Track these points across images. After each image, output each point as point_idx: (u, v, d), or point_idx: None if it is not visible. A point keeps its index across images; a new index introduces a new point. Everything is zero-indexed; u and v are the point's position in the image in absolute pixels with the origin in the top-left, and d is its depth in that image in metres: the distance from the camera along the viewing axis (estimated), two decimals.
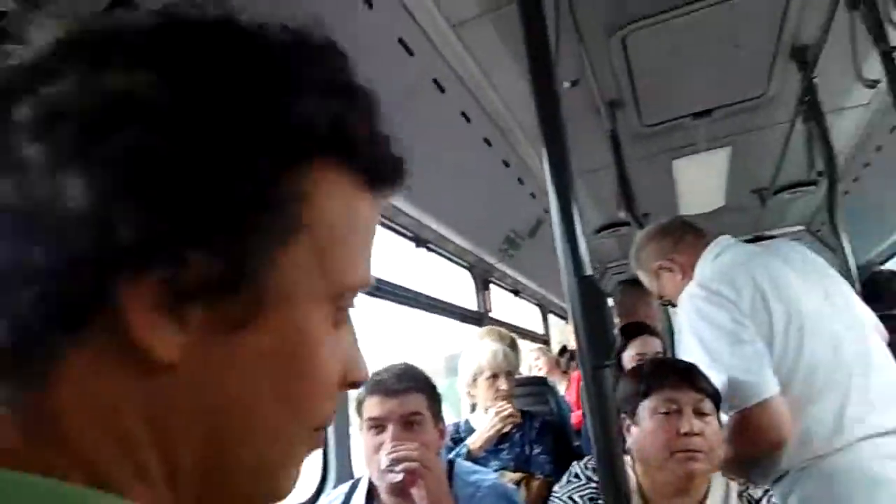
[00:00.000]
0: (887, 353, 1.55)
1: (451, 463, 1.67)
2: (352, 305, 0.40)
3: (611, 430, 0.96)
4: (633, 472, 1.42)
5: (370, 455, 1.40)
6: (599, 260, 4.99)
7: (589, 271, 1.02)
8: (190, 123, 0.31)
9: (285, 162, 0.34)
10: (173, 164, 0.31)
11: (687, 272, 1.71)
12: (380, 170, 0.40)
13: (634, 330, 2.38)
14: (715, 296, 1.51)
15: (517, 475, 2.24)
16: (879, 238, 4.14)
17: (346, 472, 1.99)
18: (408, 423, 1.39)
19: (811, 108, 2.48)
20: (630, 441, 1.44)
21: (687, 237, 1.76)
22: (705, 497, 1.36)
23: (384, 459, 1.33)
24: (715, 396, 1.37)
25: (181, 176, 0.31)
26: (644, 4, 1.98)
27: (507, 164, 2.76)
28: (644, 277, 1.89)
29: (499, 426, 2.26)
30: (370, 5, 1.66)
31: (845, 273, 2.53)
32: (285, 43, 0.36)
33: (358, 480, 1.59)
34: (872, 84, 1.95)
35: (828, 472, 1.39)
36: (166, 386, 0.32)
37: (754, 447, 1.40)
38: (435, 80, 2.07)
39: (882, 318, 2.55)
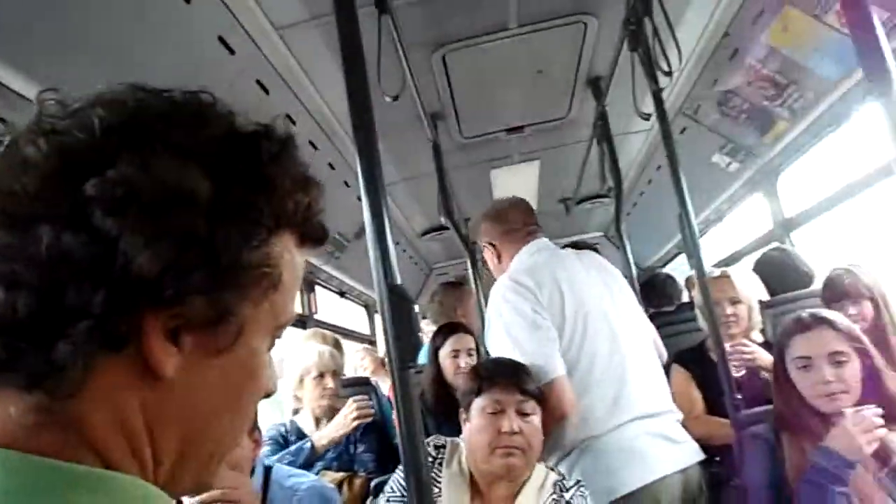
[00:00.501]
0: (654, 349, 1.86)
1: (267, 469, 1.66)
2: (280, 336, 0.52)
3: (414, 424, 1.04)
4: (466, 459, 1.55)
5: None
6: (426, 261, 5.19)
7: (398, 279, 1.10)
8: (220, 210, 0.42)
9: (272, 236, 0.46)
10: (206, 238, 0.41)
11: (504, 259, 1.93)
12: (316, 235, 0.52)
13: (450, 329, 2.53)
14: (521, 287, 1.71)
15: (339, 475, 2.28)
16: (660, 244, 4.81)
17: None
18: None
19: (603, 132, 2.84)
20: (464, 433, 1.57)
21: (517, 232, 1.93)
22: (524, 484, 1.51)
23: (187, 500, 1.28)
24: (538, 397, 1.53)
25: (209, 246, 0.41)
26: (461, 28, 2.14)
27: (332, 167, 2.78)
28: (479, 241, 2.08)
29: (344, 430, 2.28)
30: (187, 0, 1.60)
31: (628, 275, 2.93)
32: (274, 146, 0.47)
33: None
34: (646, 117, 2.28)
35: (603, 448, 1.62)
36: (160, 395, 0.43)
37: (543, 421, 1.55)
38: (258, 81, 2.04)
39: (656, 315, 2.99)
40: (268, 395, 0.53)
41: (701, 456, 1.69)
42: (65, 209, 0.39)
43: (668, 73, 1.92)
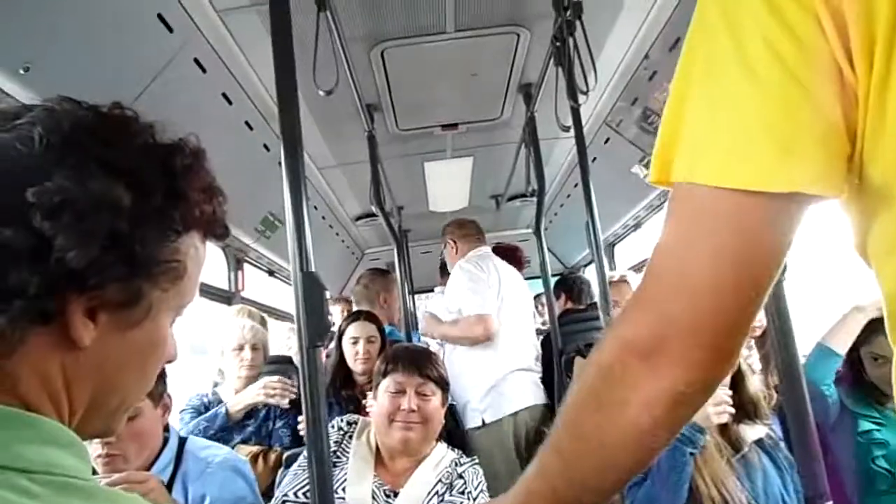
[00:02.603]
0: (532, 329, 2.98)
1: (182, 440, 1.72)
2: (182, 313, 0.63)
3: (319, 399, 1.15)
4: (374, 435, 1.70)
5: None
6: (358, 245, 5.25)
7: (313, 266, 1.19)
8: (138, 217, 0.52)
9: (181, 236, 0.57)
10: (126, 239, 0.51)
11: (459, 252, 3.04)
12: (218, 231, 0.62)
13: (354, 316, 2.66)
14: (475, 265, 2.85)
15: (255, 448, 2.35)
16: (585, 244, 5.03)
17: None
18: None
19: (531, 136, 2.98)
20: (373, 411, 1.72)
21: (470, 237, 3.09)
22: (424, 459, 1.66)
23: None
24: (439, 381, 1.71)
25: (129, 245, 0.51)
26: (400, 27, 2.22)
27: (267, 148, 2.81)
28: (445, 239, 3.17)
29: (253, 401, 2.35)
30: None
31: (543, 272, 3.11)
32: (186, 160, 0.57)
33: None
34: (566, 129, 2.43)
35: (506, 384, 2.67)
36: (78, 359, 0.52)
37: (472, 333, 2.68)
38: (196, 60, 2.06)
39: (567, 312, 3.17)
40: (169, 362, 0.64)
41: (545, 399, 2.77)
42: (7, 210, 0.47)
43: (585, 93, 2.07)
